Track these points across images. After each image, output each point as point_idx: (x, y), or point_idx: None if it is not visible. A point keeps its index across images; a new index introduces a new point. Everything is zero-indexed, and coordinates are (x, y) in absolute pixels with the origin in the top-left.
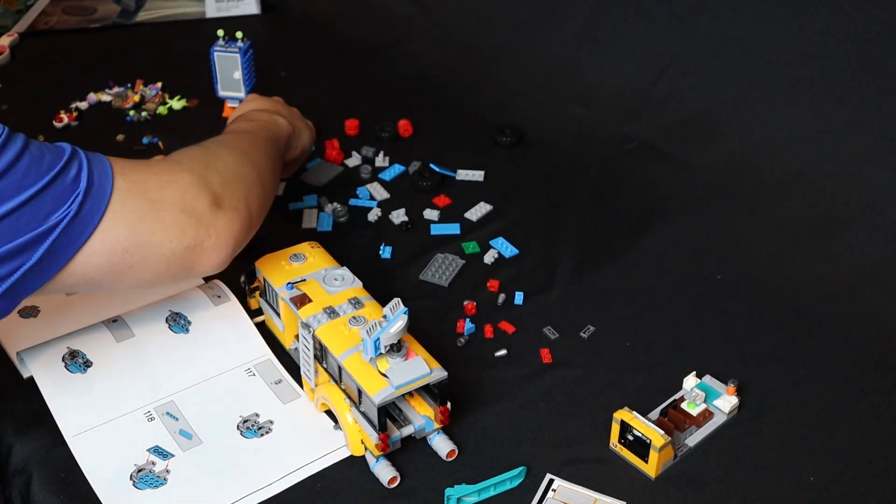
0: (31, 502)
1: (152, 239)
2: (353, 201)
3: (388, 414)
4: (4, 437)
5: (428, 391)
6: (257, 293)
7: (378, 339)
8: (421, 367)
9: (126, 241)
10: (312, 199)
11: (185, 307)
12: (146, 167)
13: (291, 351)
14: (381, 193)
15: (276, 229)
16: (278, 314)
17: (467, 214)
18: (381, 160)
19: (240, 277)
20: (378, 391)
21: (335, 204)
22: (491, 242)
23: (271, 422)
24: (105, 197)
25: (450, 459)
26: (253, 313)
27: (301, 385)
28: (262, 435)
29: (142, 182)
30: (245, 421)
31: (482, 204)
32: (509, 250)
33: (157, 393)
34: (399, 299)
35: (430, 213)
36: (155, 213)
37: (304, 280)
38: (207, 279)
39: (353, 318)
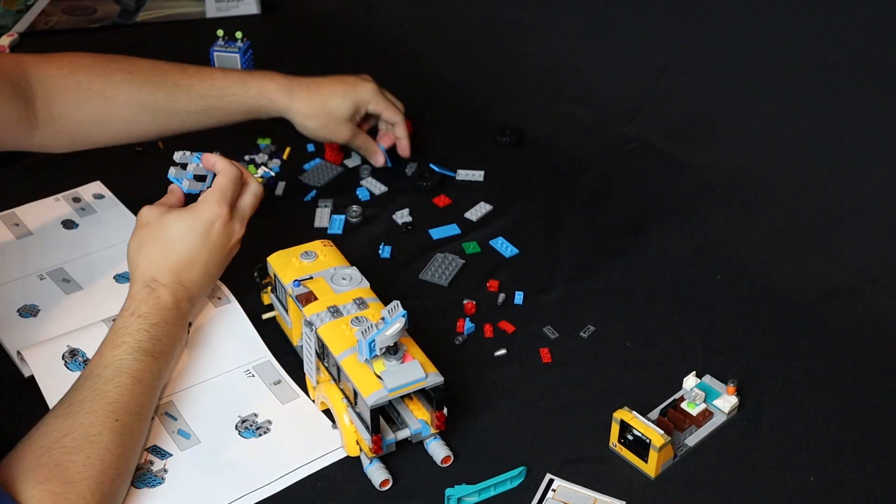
0: None
1: None
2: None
3: (384, 416)
4: (4, 435)
5: (426, 395)
6: (269, 288)
7: (373, 340)
8: (416, 372)
9: None
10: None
11: None
12: None
13: (298, 348)
14: (379, 188)
15: (288, 227)
16: (286, 310)
17: (467, 214)
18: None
19: (253, 272)
20: (371, 393)
21: (353, 207)
22: (491, 242)
23: (270, 422)
24: None
25: (445, 465)
26: (265, 308)
27: (303, 384)
28: (260, 435)
29: None
30: (243, 421)
31: (482, 204)
32: (509, 250)
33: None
34: (398, 301)
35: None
36: None
37: (312, 278)
38: None
39: (356, 318)
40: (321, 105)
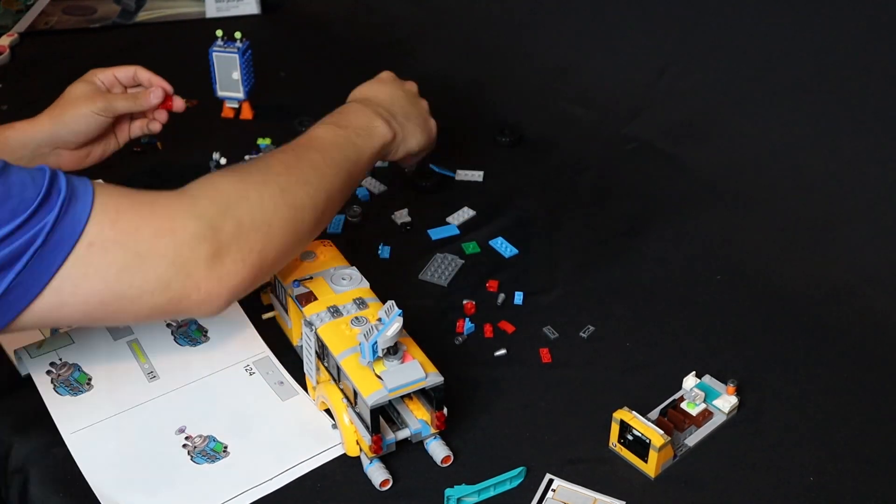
0: (30, 501)
1: (130, 292)
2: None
3: (384, 416)
4: (2, 435)
5: (426, 395)
6: (269, 288)
7: (375, 342)
8: (416, 371)
9: (102, 293)
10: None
11: None
12: (150, 208)
13: (298, 348)
14: (379, 188)
15: None
16: (286, 310)
17: (449, 219)
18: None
19: None
20: (371, 393)
21: (353, 206)
22: (490, 243)
23: (269, 419)
24: (69, 245)
25: (445, 465)
26: (265, 308)
27: (303, 383)
28: (259, 432)
29: (133, 231)
30: (243, 418)
31: (465, 209)
32: (509, 250)
33: (155, 390)
34: (393, 301)
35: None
36: (138, 266)
37: (312, 278)
38: None
39: (356, 318)
40: (67, 102)
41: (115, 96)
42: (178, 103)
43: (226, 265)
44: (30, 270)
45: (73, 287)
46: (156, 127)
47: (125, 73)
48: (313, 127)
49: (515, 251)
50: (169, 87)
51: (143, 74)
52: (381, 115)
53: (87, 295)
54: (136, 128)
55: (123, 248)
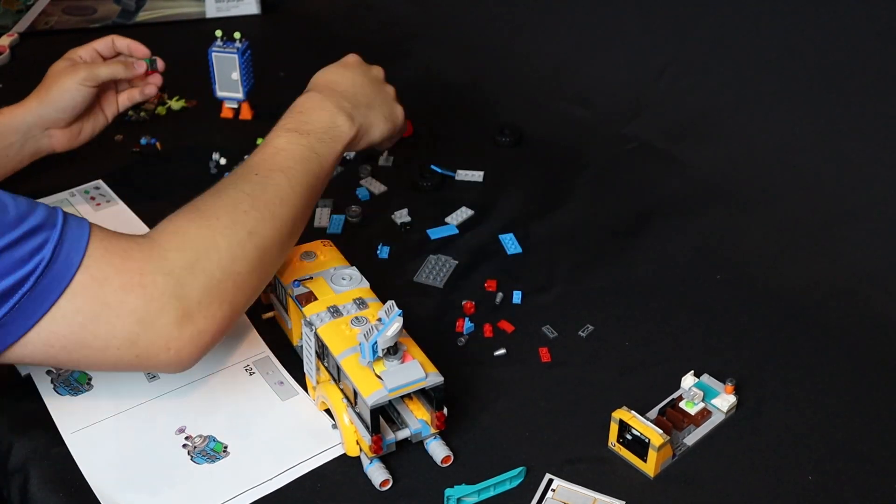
0: (30, 500)
1: (96, 343)
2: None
3: (384, 416)
4: (2, 435)
5: (426, 395)
6: (269, 288)
7: (375, 342)
8: (416, 371)
9: (65, 339)
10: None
11: None
12: (121, 259)
13: (298, 348)
14: (379, 188)
15: None
16: (286, 310)
17: (448, 219)
18: (384, 160)
19: None
20: (371, 393)
21: (353, 206)
22: (500, 237)
23: (269, 419)
24: (59, 289)
25: (445, 465)
26: (265, 308)
27: (302, 383)
28: (259, 432)
29: (103, 280)
30: (243, 418)
31: (464, 209)
32: (514, 247)
33: (155, 390)
34: (393, 301)
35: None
36: (105, 318)
37: (312, 278)
38: None
39: (356, 318)
40: (51, 78)
41: (97, 64)
42: (160, 64)
43: (196, 324)
44: (34, 293)
45: (39, 329)
46: (151, 91)
47: (103, 44)
48: (275, 134)
49: (520, 249)
50: (147, 51)
51: (121, 42)
52: (344, 108)
53: (51, 337)
54: (125, 98)
55: (91, 297)
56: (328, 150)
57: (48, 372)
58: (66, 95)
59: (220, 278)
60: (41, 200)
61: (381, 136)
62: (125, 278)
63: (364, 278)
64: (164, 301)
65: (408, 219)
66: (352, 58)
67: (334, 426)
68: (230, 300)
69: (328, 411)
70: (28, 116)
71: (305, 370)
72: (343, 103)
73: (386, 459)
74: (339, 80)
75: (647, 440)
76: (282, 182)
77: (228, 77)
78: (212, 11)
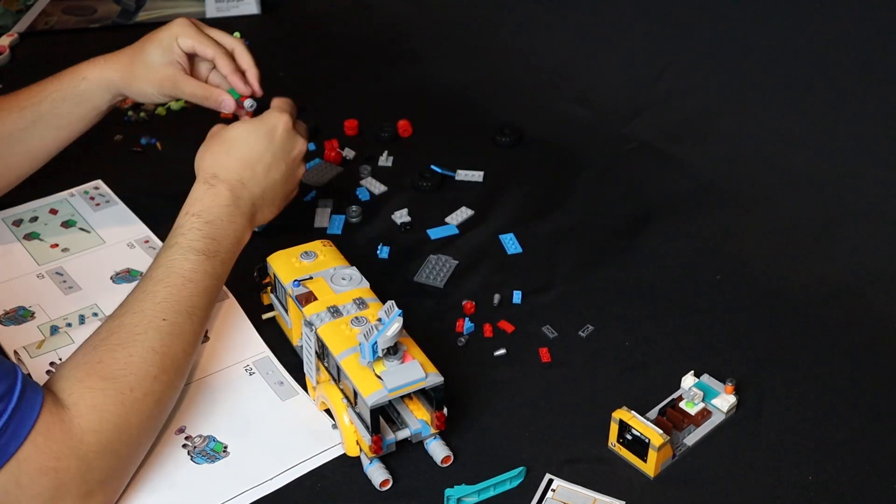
0: None
1: None
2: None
3: (384, 416)
4: None
5: (426, 395)
6: (269, 288)
7: (375, 342)
8: (416, 372)
9: None
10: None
11: None
12: (44, 436)
13: (298, 348)
14: (379, 188)
15: (288, 227)
16: (286, 310)
17: (448, 219)
18: (384, 160)
19: (252, 272)
20: (371, 393)
21: (353, 206)
22: (501, 237)
23: (269, 419)
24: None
25: (445, 465)
26: (265, 309)
27: (302, 383)
28: (259, 432)
29: (23, 461)
30: (243, 418)
31: (464, 209)
32: (514, 247)
33: None
34: (393, 301)
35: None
36: (13, 498)
37: (312, 278)
38: None
39: (356, 318)
40: (142, 63)
41: (186, 80)
42: (248, 103)
43: (95, 498)
44: None
45: None
46: (226, 106)
47: (209, 51)
48: (183, 253)
49: (520, 249)
50: (256, 88)
51: (244, 59)
52: (250, 212)
53: None
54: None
55: (9, 475)
56: (230, 263)
57: (48, 372)
58: (144, 92)
59: (126, 454)
60: (41, 200)
61: (266, 220)
62: (42, 461)
63: (364, 278)
64: (71, 485)
65: (408, 219)
66: (281, 129)
67: (334, 426)
68: (131, 470)
69: (328, 411)
70: (112, 84)
71: (305, 370)
72: (252, 208)
73: (386, 459)
74: (253, 172)
75: (647, 440)
76: (188, 329)
77: None
78: (212, 11)
